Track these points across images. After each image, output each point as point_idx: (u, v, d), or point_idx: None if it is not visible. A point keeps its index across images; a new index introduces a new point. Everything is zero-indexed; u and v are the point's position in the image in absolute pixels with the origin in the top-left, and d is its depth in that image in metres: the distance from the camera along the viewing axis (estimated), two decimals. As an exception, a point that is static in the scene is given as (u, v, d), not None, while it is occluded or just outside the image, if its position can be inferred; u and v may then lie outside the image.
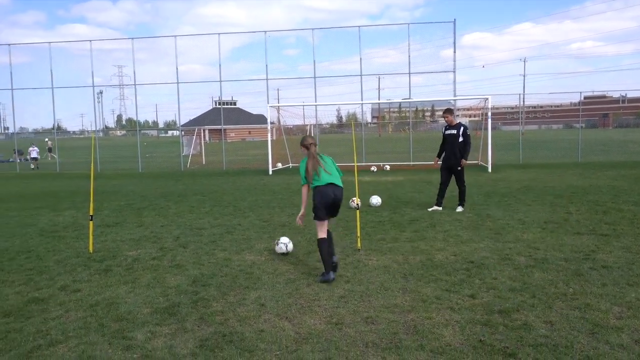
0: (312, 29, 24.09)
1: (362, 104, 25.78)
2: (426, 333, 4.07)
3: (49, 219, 10.09)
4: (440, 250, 6.67)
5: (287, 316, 4.53)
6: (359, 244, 6.90)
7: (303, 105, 24.80)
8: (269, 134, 21.79)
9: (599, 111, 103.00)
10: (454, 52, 22.47)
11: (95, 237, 7.64)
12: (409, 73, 22.75)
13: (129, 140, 70.84)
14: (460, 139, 9.66)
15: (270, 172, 20.01)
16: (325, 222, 5.67)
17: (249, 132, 78.10)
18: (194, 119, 68.45)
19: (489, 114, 20.02)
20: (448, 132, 9.85)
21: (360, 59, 23.15)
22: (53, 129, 30.19)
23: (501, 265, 5.89)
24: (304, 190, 5.79)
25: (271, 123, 22.78)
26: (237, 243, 7.45)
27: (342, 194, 5.77)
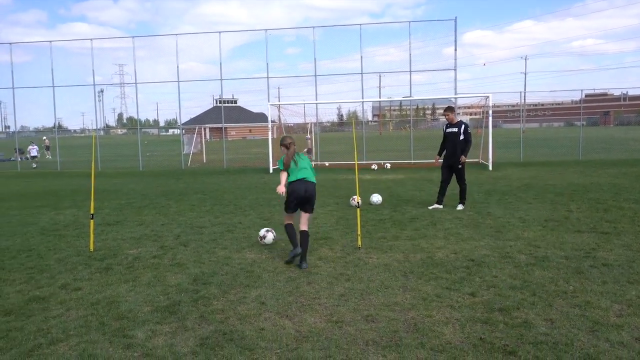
0: (313, 27, 24.05)
1: (362, 102, 25.76)
2: (426, 331, 4.07)
3: (50, 217, 10.10)
4: (440, 249, 6.67)
5: (288, 314, 4.53)
6: (359, 242, 6.90)
7: (304, 104, 24.80)
8: (270, 132, 21.79)
9: (600, 109, 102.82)
10: (455, 50, 22.44)
11: (96, 236, 7.65)
12: (410, 71, 22.72)
13: (130, 138, 70.89)
14: (462, 137, 9.65)
15: (271, 171, 20.01)
16: (292, 215, 6.37)
17: (250, 130, 78.09)
18: (195, 118, 68.49)
19: (490, 112, 20.01)
20: (449, 130, 9.84)
21: (361, 57, 23.13)
22: (54, 127, 30.19)
23: (501, 263, 5.90)
24: (283, 173, 6.37)
25: (272, 121, 22.76)
26: (238, 241, 7.46)
27: (313, 189, 6.32)
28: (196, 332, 4.20)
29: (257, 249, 6.98)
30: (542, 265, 5.76)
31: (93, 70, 25.21)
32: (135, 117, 34.94)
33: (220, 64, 24.23)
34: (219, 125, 32.90)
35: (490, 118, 19.76)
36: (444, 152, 9.97)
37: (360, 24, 23.35)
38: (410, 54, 22.64)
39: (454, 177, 9.86)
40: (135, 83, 25.57)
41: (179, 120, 27.05)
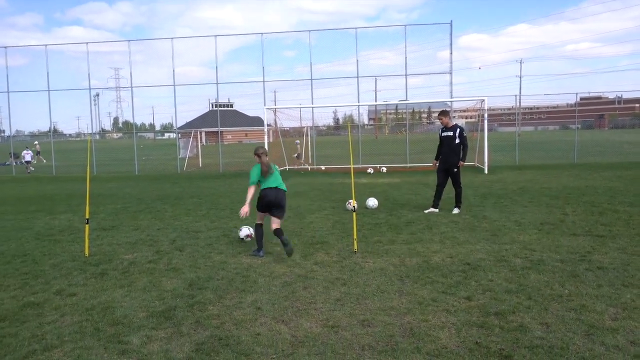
0: (309, 31, 24.13)
1: (358, 105, 25.81)
2: (422, 335, 4.07)
3: (45, 222, 10.06)
4: (436, 252, 6.67)
5: (284, 319, 4.52)
6: (355, 247, 6.90)
7: (300, 107, 24.83)
8: (266, 136, 21.79)
9: (594, 112, 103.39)
10: (451, 53, 22.52)
11: (91, 241, 7.62)
12: (406, 75, 22.82)
13: (126, 142, 70.78)
14: (457, 141, 9.68)
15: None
16: (263, 215, 6.87)
17: (246, 134, 78.09)
18: (191, 122, 68.46)
19: (485, 115, 20.07)
20: (444, 134, 9.88)
21: (357, 60, 23.21)
22: (49, 131, 30.11)
23: (497, 267, 5.90)
24: (251, 189, 6.82)
25: (268, 125, 22.77)
26: (234, 246, 7.45)
27: (284, 196, 6.87)
28: (192, 337, 4.19)
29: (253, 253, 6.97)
30: (538, 269, 5.77)
31: (89, 74, 25.22)
32: (131, 121, 34.89)
33: (217, 67, 24.31)
34: (215, 129, 32.85)
35: (486, 121, 19.82)
36: (441, 156, 10.00)
37: (356, 28, 23.50)
38: (405, 58, 22.75)
39: (449, 180, 9.88)
40: (131, 87, 25.54)
41: (174, 124, 27.02)
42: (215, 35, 24.29)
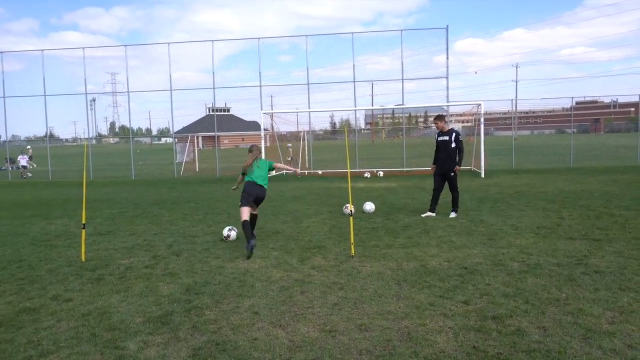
0: (306, 36, 24.14)
1: (355, 110, 25.85)
2: (420, 340, 4.07)
3: (41, 227, 10.02)
4: (433, 257, 6.68)
5: (281, 324, 4.51)
6: (352, 251, 6.90)
7: (296, 112, 24.85)
8: (263, 141, 21.79)
9: (590, 116, 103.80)
10: (447, 58, 22.61)
11: (87, 246, 7.60)
12: (402, 79, 22.86)
13: (122, 147, 70.63)
14: (453, 145, 9.71)
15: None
16: (247, 209, 7.57)
17: (243, 138, 78.02)
18: (188, 126, 68.30)
19: (482, 119, 20.14)
20: (440, 138, 9.90)
21: (354, 65, 23.24)
22: (45, 136, 30.04)
23: (494, 271, 5.91)
24: (240, 177, 8.06)
25: (265, 130, 22.78)
26: (231, 251, 7.43)
27: (262, 192, 7.82)
28: (189, 342, 4.17)
29: (250, 258, 6.95)
30: (535, 273, 5.78)
31: (85, 79, 25.17)
32: (128, 126, 34.84)
33: (213, 72, 24.27)
34: (212, 133, 32.85)
35: (482, 126, 19.90)
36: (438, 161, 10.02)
37: (352, 33, 23.50)
38: (402, 62, 22.80)
39: (446, 185, 9.90)
40: (128, 92, 25.53)
41: (171, 129, 27.00)
42: (212, 40, 24.31)
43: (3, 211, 12.83)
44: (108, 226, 9.90)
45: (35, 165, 31.78)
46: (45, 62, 25.33)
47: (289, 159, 24.00)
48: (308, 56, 23.78)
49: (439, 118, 10.05)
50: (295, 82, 28.14)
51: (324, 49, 36.18)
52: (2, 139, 31.21)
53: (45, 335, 4.41)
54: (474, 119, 23.73)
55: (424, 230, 8.47)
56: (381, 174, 20.64)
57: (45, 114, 25.61)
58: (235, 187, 8.26)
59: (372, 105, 35.12)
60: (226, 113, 72.30)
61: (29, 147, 40.34)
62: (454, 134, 9.79)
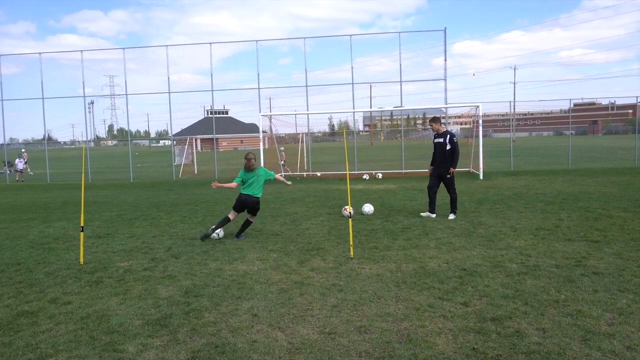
0: (304, 38, 24.17)
1: (354, 112, 25.87)
2: (419, 342, 4.07)
3: (39, 230, 10.00)
4: (432, 258, 6.68)
5: (280, 326, 4.51)
6: (351, 253, 6.89)
7: (295, 114, 24.85)
8: (261, 143, 21.79)
9: (588, 118, 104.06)
10: (445, 60, 22.64)
11: (86, 249, 7.58)
12: (400, 81, 22.89)
13: (121, 150, 70.53)
14: (448, 147, 9.72)
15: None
16: (236, 214, 8.58)
17: (241, 141, 78.06)
18: (186, 129, 68.32)
19: (480, 121, 20.16)
20: (436, 140, 9.94)
21: (352, 67, 23.27)
22: (43, 139, 30.00)
23: (493, 273, 5.91)
24: (232, 185, 8.80)
25: (263, 132, 22.78)
26: (229, 253, 7.42)
27: (254, 202, 8.51)
28: (188, 345, 4.17)
29: (249, 260, 6.95)
30: (534, 274, 5.78)
31: (83, 82, 25.16)
32: (126, 129, 34.81)
33: (212, 74, 24.29)
34: (210, 136, 32.84)
35: (481, 127, 19.91)
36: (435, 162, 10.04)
37: (350, 35, 23.54)
38: (400, 64, 22.84)
39: (442, 185, 9.91)
40: (126, 94, 25.50)
41: (169, 132, 26.97)
42: (210, 43, 24.34)
43: (1, 214, 12.80)
44: (106, 229, 9.89)
45: (29, 170, 31.71)
46: (44, 65, 25.34)
47: (282, 162, 23.98)
48: (306, 58, 23.80)
49: (435, 120, 10.07)
50: (293, 84, 28.14)
51: (323, 51, 36.27)
52: (0, 142, 31.13)
53: (44, 338, 4.40)
54: (472, 121, 23.76)
55: (423, 232, 8.47)
56: (380, 175, 20.65)
57: (43, 117, 25.61)
58: (218, 185, 8.76)
59: (371, 107, 35.17)
60: (224, 115, 72.34)
61: (23, 150, 40.30)
62: (448, 136, 9.80)
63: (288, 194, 15.23)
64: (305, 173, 23.32)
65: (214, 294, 5.49)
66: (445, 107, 23.32)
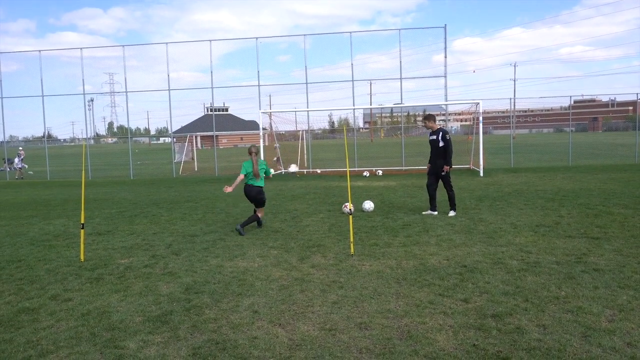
0: (304, 35, 24.14)
1: (354, 109, 25.85)
2: (420, 338, 4.07)
3: (40, 227, 10.01)
4: (433, 255, 6.68)
5: (281, 323, 4.51)
6: (352, 250, 6.90)
7: (295, 111, 24.84)
8: (261, 140, 21.78)
9: (588, 115, 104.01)
10: (445, 57, 22.60)
11: (86, 246, 7.59)
12: (401, 78, 22.86)
13: (121, 147, 70.60)
14: (441, 144, 9.70)
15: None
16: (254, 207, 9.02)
17: (241, 138, 78.04)
18: (186, 126, 68.36)
19: (480, 118, 20.14)
20: (431, 138, 9.94)
21: (352, 64, 23.24)
22: (43, 137, 30.00)
23: (494, 269, 5.91)
24: (240, 177, 8.90)
25: (263, 129, 22.76)
26: (230, 250, 7.43)
27: (258, 191, 8.81)
28: (188, 341, 4.17)
29: (249, 257, 6.96)
30: (534, 271, 5.79)
31: (83, 80, 25.16)
32: (126, 126, 34.80)
33: (211, 72, 24.26)
34: (210, 133, 32.83)
35: (481, 124, 19.88)
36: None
37: (350, 32, 23.50)
38: (400, 61, 22.80)
39: (441, 183, 9.92)
40: (126, 92, 25.48)
41: (169, 129, 26.98)
42: (210, 40, 24.31)
43: (2, 211, 12.81)
44: (107, 226, 9.89)
45: (29, 171, 31.71)
46: (43, 63, 25.32)
47: (275, 159, 23.97)
48: (306, 55, 23.77)
49: (428, 118, 10.05)
50: (293, 81, 28.19)
51: (323, 48, 36.31)
52: (0, 140, 31.13)
53: (45, 335, 4.40)
54: (473, 118, 23.74)
55: (423, 228, 8.47)
56: (380, 172, 20.64)
57: (43, 115, 25.60)
58: (231, 188, 8.79)
59: (371, 104, 35.14)
60: (224, 113, 72.29)
61: (20, 148, 40.28)
62: (440, 133, 9.78)
63: (288, 191, 15.23)
64: (305, 170, 23.26)
65: (214, 290, 5.50)
66: (446, 104, 23.29)
